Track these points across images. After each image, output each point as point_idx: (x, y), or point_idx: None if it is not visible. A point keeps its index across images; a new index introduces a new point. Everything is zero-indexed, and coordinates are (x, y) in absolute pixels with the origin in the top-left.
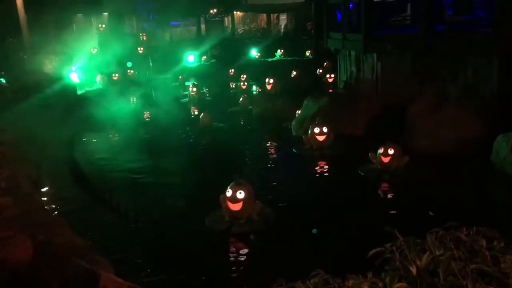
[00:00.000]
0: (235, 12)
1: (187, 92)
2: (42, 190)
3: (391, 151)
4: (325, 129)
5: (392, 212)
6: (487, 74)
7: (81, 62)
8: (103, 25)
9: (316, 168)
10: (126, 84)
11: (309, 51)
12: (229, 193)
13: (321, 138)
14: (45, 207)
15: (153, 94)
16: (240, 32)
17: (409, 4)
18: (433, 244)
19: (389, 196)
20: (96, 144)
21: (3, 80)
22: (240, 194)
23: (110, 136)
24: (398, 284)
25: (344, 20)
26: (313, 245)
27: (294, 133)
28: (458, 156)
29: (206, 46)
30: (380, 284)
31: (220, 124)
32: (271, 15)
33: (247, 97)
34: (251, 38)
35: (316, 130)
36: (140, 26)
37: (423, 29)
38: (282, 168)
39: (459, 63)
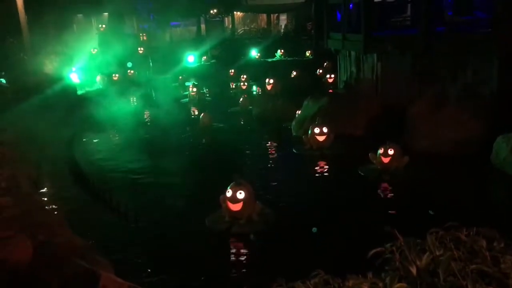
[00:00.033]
0: (235, 12)
1: (187, 93)
2: (42, 190)
3: (391, 151)
4: (325, 129)
5: (392, 212)
6: (487, 74)
7: (82, 62)
8: (103, 26)
9: (316, 168)
10: (126, 85)
11: (309, 52)
12: (229, 193)
13: (321, 138)
14: (45, 207)
15: (153, 94)
16: (240, 32)
17: (409, 5)
18: (433, 244)
19: (389, 196)
20: (96, 144)
21: (3, 81)
22: (240, 195)
23: (110, 136)
24: (398, 284)
25: (344, 21)
26: (313, 245)
27: (294, 133)
28: (458, 156)
29: (206, 47)
30: (380, 284)
31: (220, 124)
32: (271, 15)
33: (247, 97)
34: (251, 39)
35: (316, 130)
36: (141, 26)
37: (423, 30)
38: (282, 168)
39: (459, 63)
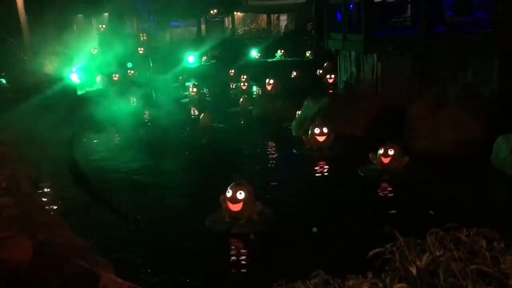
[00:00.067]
0: (235, 13)
1: (187, 93)
2: (42, 190)
3: (391, 152)
4: (325, 130)
5: (392, 212)
6: (487, 74)
7: (82, 62)
8: (104, 26)
9: (316, 168)
10: (126, 85)
11: (309, 52)
12: (229, 193)
13: (321, 138)
14: (45, 207)
15: (153, 94)
16: (241, 32)
17: (409, 5)
18: (433, 244)
19: (389, 196)
20: (96, 144)
21: (3, 81)
22: (240, 195)
23: (111, 136)
24: (398, 285)
25: (345, 21)
26: (313, 245)
27: (294, 134)
28: (458, 156)
29: (206, 47)
30: (380, 285)
31: (220, 124)
32: (272, 15)
33: (247, 98)
34: (252, 39)
35: (316, 130)
36: (141, 26)
37: (423, 30)
38: (282, 168)
39: (459, 64)
